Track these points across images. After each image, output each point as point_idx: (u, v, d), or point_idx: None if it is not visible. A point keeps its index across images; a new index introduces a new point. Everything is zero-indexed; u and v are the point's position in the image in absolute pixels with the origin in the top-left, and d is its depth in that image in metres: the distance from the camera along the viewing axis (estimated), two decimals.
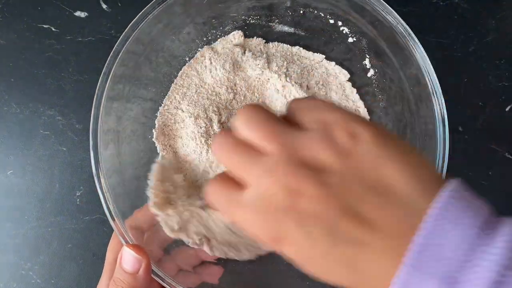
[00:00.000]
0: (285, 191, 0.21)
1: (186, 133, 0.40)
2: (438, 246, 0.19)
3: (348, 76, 0.43)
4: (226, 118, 0.42)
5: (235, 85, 0.42)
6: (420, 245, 0.19)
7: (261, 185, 0.22)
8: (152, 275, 0.33)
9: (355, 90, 0.43)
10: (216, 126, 0.40)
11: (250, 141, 0.23)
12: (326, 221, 0.21)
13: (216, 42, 0.44)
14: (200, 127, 0.40)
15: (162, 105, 0.42)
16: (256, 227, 0.22)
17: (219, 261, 0.40)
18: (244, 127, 0.24)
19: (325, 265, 0.21)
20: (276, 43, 0.44)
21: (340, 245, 0.21)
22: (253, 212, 0.22)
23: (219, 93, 0.42)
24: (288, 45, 0.44)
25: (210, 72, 0.42)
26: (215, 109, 0.41)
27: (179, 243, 0.39)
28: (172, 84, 0.42)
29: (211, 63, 0.42)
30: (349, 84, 0.44)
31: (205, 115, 0.41)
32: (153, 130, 0.41)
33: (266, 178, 0.22)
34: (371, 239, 0.20)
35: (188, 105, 0.41)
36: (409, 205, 0.20)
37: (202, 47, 0.43)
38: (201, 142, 0.39)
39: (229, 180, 0.24)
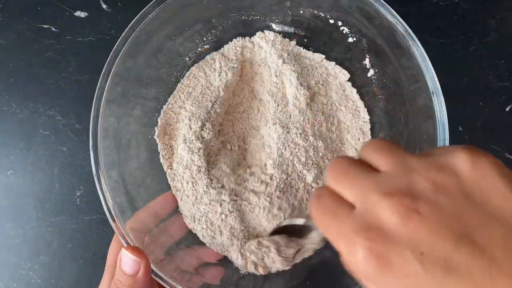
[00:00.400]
0: (399, 213, 0.20)
1: (183, 134, 0.41)
2: None
3: (348, 76, 0.44)
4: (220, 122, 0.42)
5: (241, 90, 0.42)
6: None
7: (370, 205, 0.21)
8: (154, 277, 0.33)
9: (355, 90, 0.43)
10: (206, 132, 0.40)
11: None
12: (441, 248, 0.19)
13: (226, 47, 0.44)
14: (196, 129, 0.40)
15: (167, 103, 0.42)
16: (359, 248, 0.20)
17: (220, 262, 0.40)
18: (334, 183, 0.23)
19: None
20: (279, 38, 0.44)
21: (453, 277, 0.18)
22: (359, 232, 0.20)
23: (222, 96, 0.42)
24: (288, 40, 0.44)
25: (219, 75, 0.42)
26: (217, 110, 0.41)
27: (180, 244, 0.39)
28: (178, 84, 0.43)
29: (220, 66, 0.42)
30: (349, 84, 0.44)
31: (205, 117, 0.41)
32: (155, 128, 0.41)
33: (377, 196, 0.20)
34: (488, 272, 0.18)
35: (192, 105, 0.41)
36: None
37: (202, 47, 0.43)
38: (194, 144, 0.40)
39: (334, 196, 0.23)
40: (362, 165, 0.23)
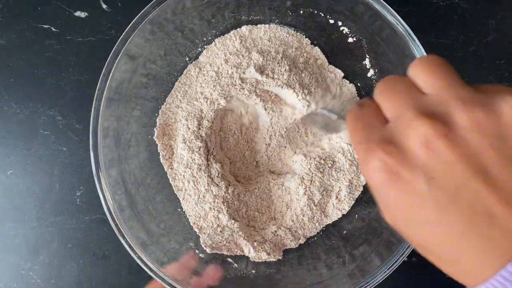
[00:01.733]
0: (426, 137, 0.20)
1: (182, 134, 0.41)
2: None
3: (342, 74, 0.44)
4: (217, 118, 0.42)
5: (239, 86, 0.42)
6: None
7: (403, 122, 0.21)
8: (154, 277, 0.33)
9: (354, 89, 0.44)
10: (204, 131, 0.40)
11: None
12: (453, 179, 0.19)
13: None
14: (193, 129, 0.40)
15: (165, 103, 0.42)
16: (374, 157, 0.21)
17: (220, 264, 0.40)
18: (381, 98, 0.23)
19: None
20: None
21: (453, 205, 0.19)
22: (380, 143, 0.21)
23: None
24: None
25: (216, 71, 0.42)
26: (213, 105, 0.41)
27: (183, 245, 0.39)
28: (176, 83, 0.43)
29: (220, 64, 0.42)
30: (348, 83, 0.44)
31: (200, 116, 0.41)
32: (155, 129, 0.41)
33: (413, 115, 0.21)
34: (489, 208, 0.19)
35: (188, 104, 0.41)
36: None
37: (202, 47, 0.43)
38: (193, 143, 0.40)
39: (374, 108, 0.23)
40: (410, 84, 0.23)
